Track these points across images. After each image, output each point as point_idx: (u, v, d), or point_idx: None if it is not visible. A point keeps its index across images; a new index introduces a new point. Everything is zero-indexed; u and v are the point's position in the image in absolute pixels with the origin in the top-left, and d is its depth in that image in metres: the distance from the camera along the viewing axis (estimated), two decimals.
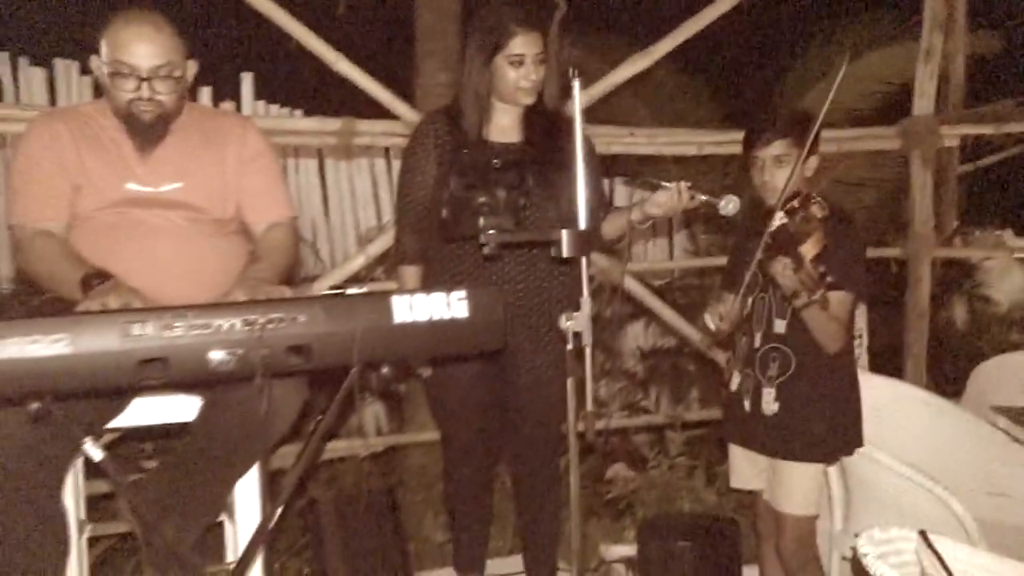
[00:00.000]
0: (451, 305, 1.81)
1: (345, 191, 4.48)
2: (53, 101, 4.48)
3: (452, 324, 1.80)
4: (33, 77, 4.43)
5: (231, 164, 2.22)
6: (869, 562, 1.55)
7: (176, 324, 1.58)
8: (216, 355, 1.61)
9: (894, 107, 4.81)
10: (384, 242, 3.03)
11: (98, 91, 4.62)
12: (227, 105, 4.41)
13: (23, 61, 4.44)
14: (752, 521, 2.86)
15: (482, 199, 2.28)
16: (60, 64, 4.50)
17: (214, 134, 2.22)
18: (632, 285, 3.40)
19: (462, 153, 2.43)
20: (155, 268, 2.05)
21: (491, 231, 1.95)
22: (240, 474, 2.15)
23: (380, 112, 3.21)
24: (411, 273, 2.60)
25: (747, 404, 2.49)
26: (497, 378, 2.59)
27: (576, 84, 1.97)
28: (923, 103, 3.53)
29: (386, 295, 1.77)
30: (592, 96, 3.06)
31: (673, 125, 4.19)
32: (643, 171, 4.30)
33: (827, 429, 2.43)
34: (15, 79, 4.42)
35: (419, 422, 3.55)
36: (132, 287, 1.86)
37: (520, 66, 2.40)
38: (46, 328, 1.50)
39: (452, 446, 2.71)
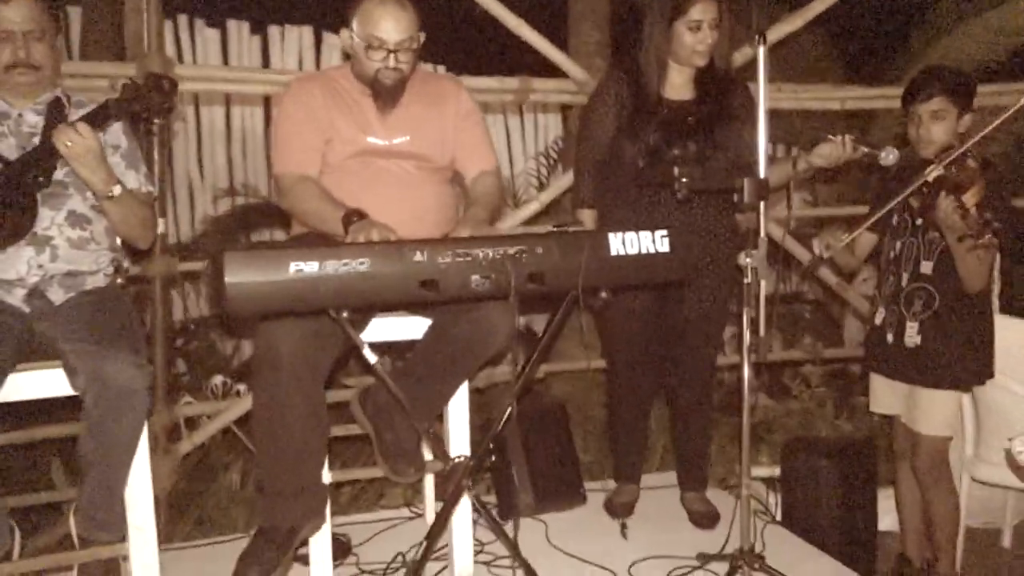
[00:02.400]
0: (656, 241, 2.15)
1: None
2: (226, 60, 4.92)
3: (656, 257, 2.14)
4: (209, 39, 4.87)
5: (449, 120, 2.58)
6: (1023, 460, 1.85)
7: (446, 252, 1.96)
8: (475, 279, 1.98)
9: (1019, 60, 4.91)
10: (552, 192, 3.38)
11: (265, 51, 5.05)
12: None
13: (199, 23, 4.88)
14: (887, 446, 3.15)
15: (676, 151, 2.58)
16: (233, 25, 4.92)
17: (435, 95, 2.58)
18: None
19: (660, 110, 2.73)
20: (391, 207, 2.41)
21: (684, 179, 2.26)
22: (458, 385, 2.54)
23: (503, 69, 3.52)
24: (588, 215, 2.94)
25: (890, 337, 2.77)
26: (662, 310, 2.92)
27: (761, 49, 2.26)
28: None
29: (603, 232, 2.12)
30: (748, 55, 3.32)
31: (798, 80, 4.40)
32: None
33: (964, 360, 2.70)
34: (192, 41, 4.86)
35: (565, 354, 3.92)
36: (384, 223, 2.23)
37: (697, 31, 2.69)
38: (353, 253, 1.89)
39: (619, 369, 3.06)
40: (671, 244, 2.16)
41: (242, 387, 3.22)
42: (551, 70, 3.55)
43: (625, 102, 2.80)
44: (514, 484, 3.00)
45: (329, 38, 4.99)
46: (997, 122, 2.58)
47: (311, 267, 1.85)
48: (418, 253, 1.94)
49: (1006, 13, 4.91)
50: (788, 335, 5.17)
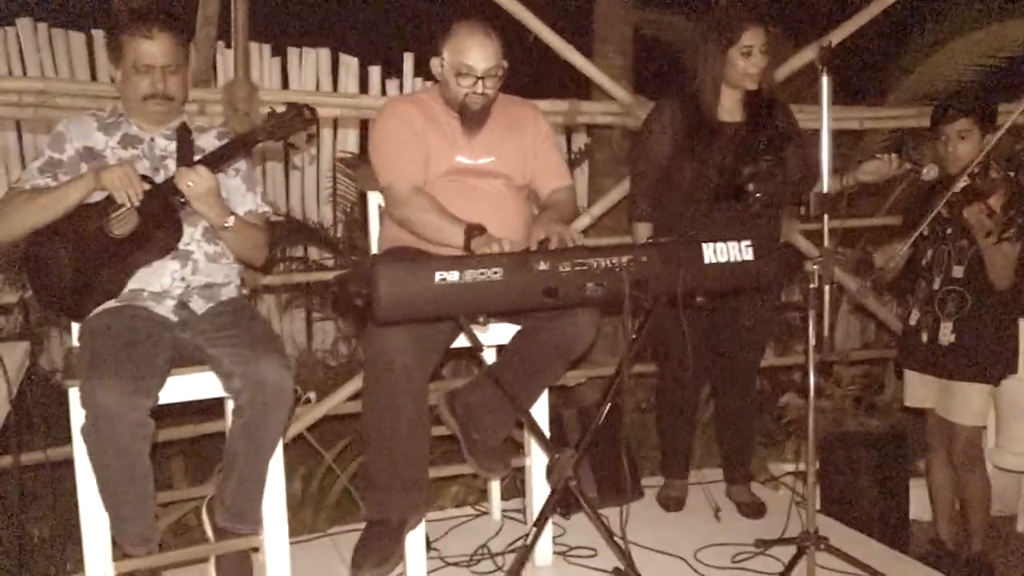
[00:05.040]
0: (742, 251, 2.37)
1: None
2: None
3: (743, 265, 2.37)
4: (229, 59, 4.98)
5: (529, 143, 2.77)
6: None
7: (566, 262, 2.15)
8: (590, 286, 2.18)
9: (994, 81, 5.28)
10: (603, 206, 3.60)
11: (284, 72, 5.13)
12: (392, 83, 5.01)
13: (220, 45, 4.98)
14: (914, 439, 3.42)
15: (749, 169, 2.81)
16: (254, 47, 5.04)
17: (515, 119, 2.77)
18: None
19: (718, 131, 2.96)
20: (485, 222, 2.58)
21: (758, 195, 2.50)
22: (546, 386, 2.74)
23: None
24: (643, 229, 3.15)
25: (925, 336, 3.03)
26: (714, 315, 3.14)
27: (825, 77, 2.50)
28: None
29: (698, 242, 2.33)
30: (778, 78, 3.58)
31: (793, 100, 4.69)
32: None
33: (994, 356, 2.97)
34: (214, 62, 4.96)
35: (595, 362, 4.13)
36: (504, 237, 2.41)
37: (749, 56, 2.93)
38: (488, 263, 2.08)
39: (669, 372, 3.27)
40: (755, 253, 2.38)
41: (312, 395, 3.36)
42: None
43: (680, 124, 3.02)
44: (579, 479, 3.20)
45: (345, 59, 5.14)
46: (997, 136, 2.86)
47: (453, 276, 2.03)
48: (542, 263, 2.14)
49: (986, 36, 5.27)
50: (779, 342, 5.45)
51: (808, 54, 3.72)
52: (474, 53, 2.58)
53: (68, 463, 2.26)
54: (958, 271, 2.97)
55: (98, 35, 4.41)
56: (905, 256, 3.08)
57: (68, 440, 2.23)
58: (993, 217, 2.71)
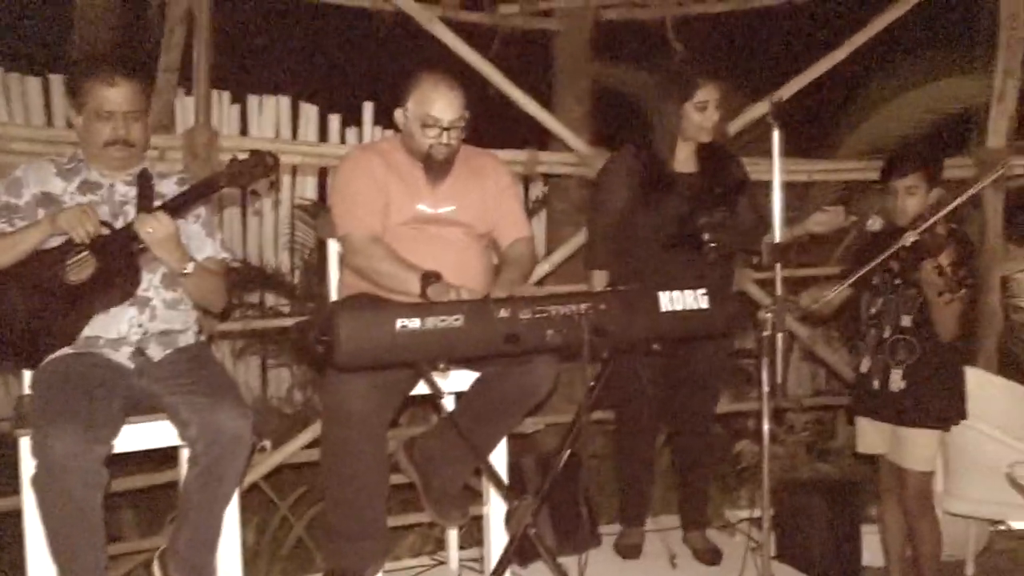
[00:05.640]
0: (697, 299, 2.41)
1: None
2: None
3: (698, 312, 2.41)
4: (188, 107, 4.97)
5: (490, 193, 2.81)
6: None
7: (526, 309, 2.18)
8: (550, 333, 2.20)
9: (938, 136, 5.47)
10: (562, 254, 3.65)
11: (244, 119, 5.13)
12: (352, 131, 5.04)
13: (180, 92, 4.98)
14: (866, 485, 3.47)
15: (704, 218, 2.87)
16: (214, 94, 5.04)
17: (478, 169, 2.81)
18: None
19: (674, 182, 3.03)
20: (445, 270, 2.59)
21: (713, 244, 2.55)
22: (503, 434, 2.74)
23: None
24: (600, 276, 3.19)
25: (876, 383, 3.09)
26: (668, 362, 3.18)
27: (775, 129, 2.58)
28: (995, 138, 4.14)
29: (654, 291, 2.37)
30: (731, 131, 3.66)
31: (746, 153, 4.81)
32: None
33: (943, 402, 3.04)
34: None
35: (552, 408, 4.14)
36: (461, 284, 2.43)
37: (704, 111, 3.01)
38: (449, 310, 2.09)
39: (627, 419, 3.30)
40: (710, 301, 2.42)
41: (267, 443, 3.33)
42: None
43: (636, 175, 3.08)
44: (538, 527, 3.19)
45: (305, 108, 5.16)
46: (963, 198, 2.96)
47: (414, 323, 2.04)
48: (503, 310, 2.16)
49: (929, 93, 5.47)
50: (736, 389, 5.52)
51: (760, 108, 3.82)
52: (440, 104, 2.62)
53: (13, 515, 2.20)
54: (906, 320, 3.04)
55: (55, 80, 4.39)
56: (841, 298, 3.12)
57: (13, 491, 2.17)
58: (943, 276, 2.78)
